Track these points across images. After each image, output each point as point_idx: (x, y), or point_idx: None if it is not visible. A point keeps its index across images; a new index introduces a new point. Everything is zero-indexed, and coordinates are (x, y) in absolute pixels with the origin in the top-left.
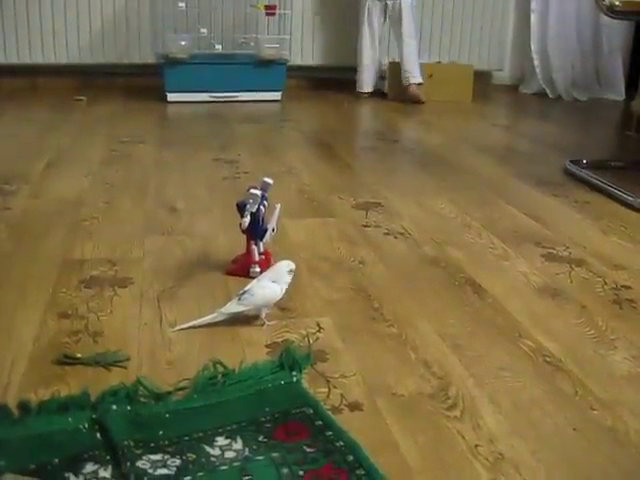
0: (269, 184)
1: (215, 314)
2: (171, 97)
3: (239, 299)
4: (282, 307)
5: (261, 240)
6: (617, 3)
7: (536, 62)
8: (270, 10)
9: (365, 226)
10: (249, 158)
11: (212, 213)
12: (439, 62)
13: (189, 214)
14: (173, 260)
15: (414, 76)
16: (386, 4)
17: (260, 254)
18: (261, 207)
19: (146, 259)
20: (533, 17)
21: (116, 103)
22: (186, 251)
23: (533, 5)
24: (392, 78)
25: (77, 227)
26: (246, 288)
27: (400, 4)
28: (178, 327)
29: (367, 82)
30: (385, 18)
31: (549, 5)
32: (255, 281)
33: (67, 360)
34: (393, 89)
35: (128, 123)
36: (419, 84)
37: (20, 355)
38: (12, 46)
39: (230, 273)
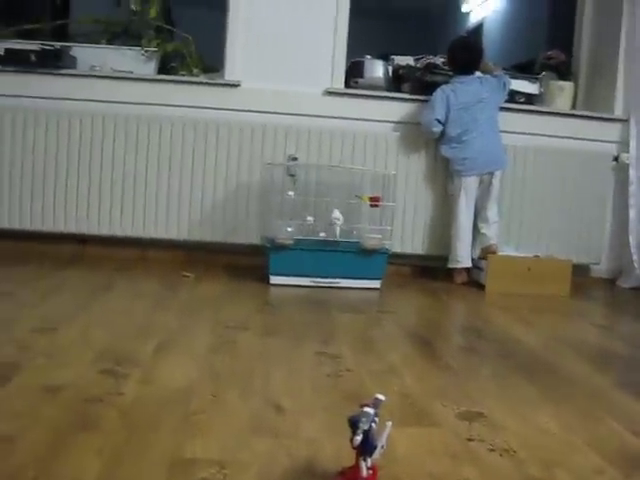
0: (381, 401)
1: None
2: (274, 280)
3: None
4: None
5: (370, 456)
6: None
7: (635, 256)
8: (374, 202)
9: (469, 440)
10: (351, 353)
11: (317, 415)
12: (537, 256)
13: (294, 414)
14: (280, 467)
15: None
16: (481, 179)
17: (368, 469)
18: (372, 425)
19: (254, 464)
20: (632, 212)
21: (220, 282)
22: (292, 457)
23: (631, 201)
24: (491, 270)
25: (186, 421)
26: None
27: (492, 178)
28: None
29: (463, 255)
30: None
31: None
32: None
33: None
34: (492, 282)
35: (232, 305)
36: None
37: None
38: (128, 219)
39: None
